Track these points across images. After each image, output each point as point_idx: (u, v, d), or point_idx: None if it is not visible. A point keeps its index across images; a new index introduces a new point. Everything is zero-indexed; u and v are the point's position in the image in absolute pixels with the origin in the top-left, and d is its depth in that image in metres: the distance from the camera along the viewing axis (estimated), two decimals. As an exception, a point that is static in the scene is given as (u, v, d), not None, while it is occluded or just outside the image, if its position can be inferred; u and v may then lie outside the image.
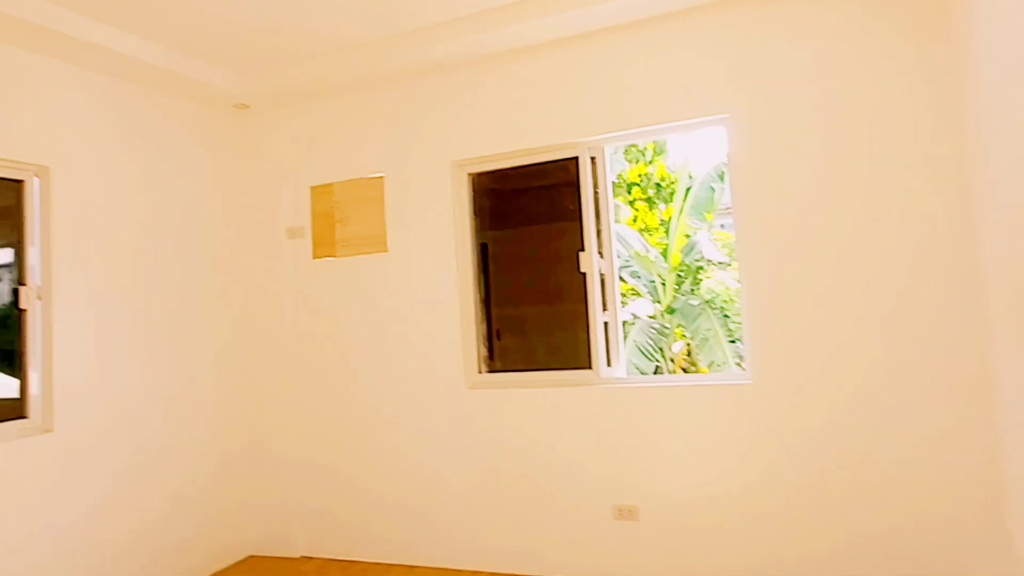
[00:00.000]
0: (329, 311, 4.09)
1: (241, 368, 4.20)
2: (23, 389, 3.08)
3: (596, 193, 3.63)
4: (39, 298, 3.16)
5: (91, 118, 3.41)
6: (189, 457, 3.80)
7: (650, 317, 6.94)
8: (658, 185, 7.95)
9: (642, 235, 7.84)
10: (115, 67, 3.43)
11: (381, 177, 3.98)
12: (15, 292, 3.14)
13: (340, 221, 4.05)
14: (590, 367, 3.56)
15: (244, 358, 4.22)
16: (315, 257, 4.12)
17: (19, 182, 3.16)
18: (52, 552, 3.05)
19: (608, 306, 3.60)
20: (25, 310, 3.12)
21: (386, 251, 3.94)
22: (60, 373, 3.16)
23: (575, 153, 3.62)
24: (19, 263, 3.15)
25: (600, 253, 3.62)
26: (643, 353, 6.57)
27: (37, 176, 3.20)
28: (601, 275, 3.61)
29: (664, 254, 7.14)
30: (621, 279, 7.62)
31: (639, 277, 7.06)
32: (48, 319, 3.16)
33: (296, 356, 4.16)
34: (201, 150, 4.06)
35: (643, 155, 8.40)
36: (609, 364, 3.59)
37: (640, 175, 8.22)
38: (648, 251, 6.91)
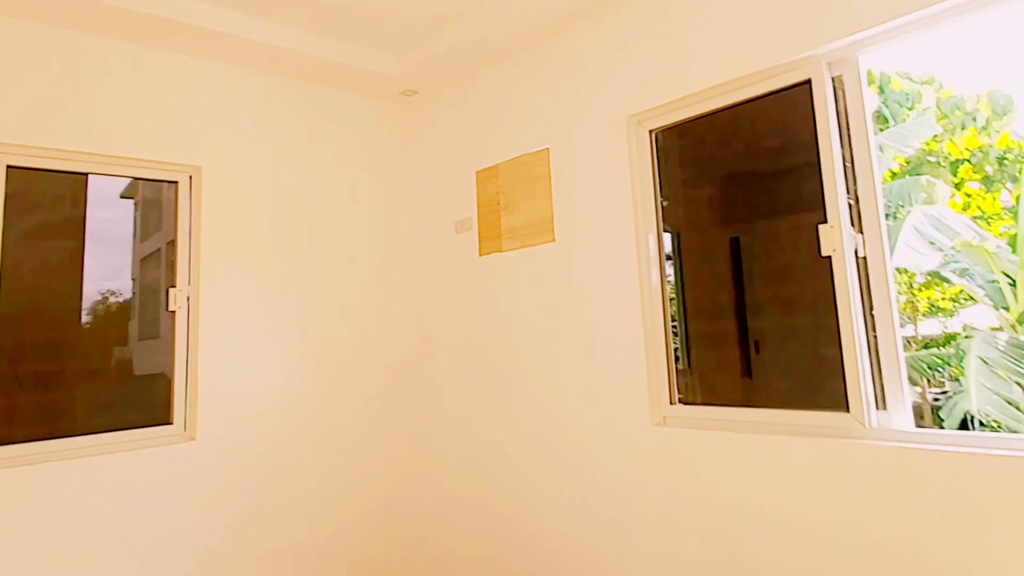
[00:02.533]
0: (493, 315, 3.48)
1: (400, 382, 3.82)
2: (169, 393, 3.04)
3: (847, 135, 2.37)
4: (188, 300, 3.12)
5: (244, 116, 3.37)
6: (342, 484, 3.49)
7: (993, 329, 4.96)
8: (1001, 159, 5.76)
9: (978, 224, 5.78)
10: (271, 63, 3.34)
11: (546, 150, 3.24)
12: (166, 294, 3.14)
13: (505, 208, 3.42)
14: (847, 409, 2.29)
15: (404, 370, 3.83)
16: (481, 253, 3.54)
17: (173, 183, 3.17)
18: (193, 568, 2.92)
19: (877, 312, 2.30)
20: (175, 312, 3.09)
21: (553, 240, 3.18)
22: (205, 379, 3.08)
23: (805, 75, 2.43)
24: (170, 264, 3.15)
25: (857, 227, 2.34)
26: (1000, 378, 4.66)
27: (191, 177, 3.19)
28: (862, 262, 2.33)
29: (1012, 244, 5.04)
30: (938, 278, 5.67)
31: (971, 276, 5.09)
32: (195, 323, 3.10)
33: (459, 367, 3.63)
34: (364, 144, 3.83)
35: (973, 120, 6.21)
36: (882, 406, 2.27)
37: (970, 148, 6.09)
38: (984, 240, 4.91)
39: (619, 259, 2.89)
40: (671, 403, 2.81)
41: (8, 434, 2.65)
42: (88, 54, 2.92)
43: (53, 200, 2.92)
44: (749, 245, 2.67)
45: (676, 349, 2.84)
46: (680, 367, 2.83)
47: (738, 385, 2.72)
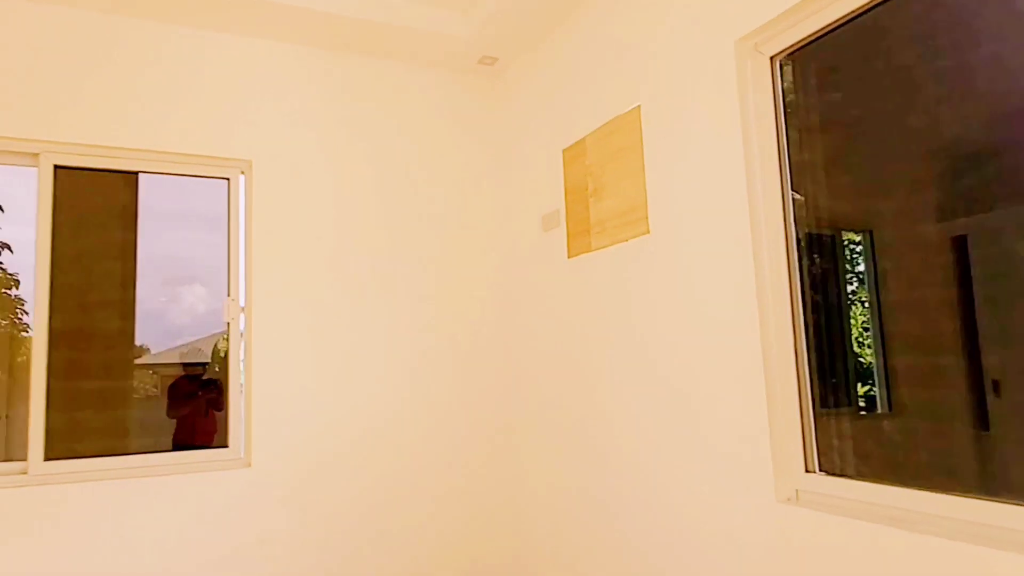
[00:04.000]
0: (581, 335, 2.77)
1: (480, 415, 3.27)
2: (225, 414, 2.83)
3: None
4: (242, 311, 2.89)
5: (296, 100, 3.09)
6: (409, 528, 3.02)
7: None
8: None
9: None
10: (325, 34, 3.02)
11: (635, 109, 2.47)
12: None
13: (594, 193, 2.71)
14: None
15: (485, 399, 3.26)
16: (571, 255, 2.87)
17: (224, 180, 2.97)
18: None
19: None
20: (228, 324, 2.88)
21: (647, 232, 2.40)
22: (260, 400, 2.82)
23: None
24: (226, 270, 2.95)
25: None
26: None
27: (243, 173, 2.97)
28: None
29: None
30: None
31: None
32: (249, 337, 2.86)
33: (546, 400, 2.98)
34: (436, 127, 3.37)
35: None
36: None
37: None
38: None
39: (728, 254, 2.04)
40: (807, 470, 1.88)
41: (70, 450, 2.60)
42: (130, 41, 2.82)
43: (106, 202, 2.85)
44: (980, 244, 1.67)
45: (823, 387, 1.90)
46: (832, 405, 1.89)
47: (901, 447, 1.72)
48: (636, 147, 2.46)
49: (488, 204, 3.41)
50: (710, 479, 2.10)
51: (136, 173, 2.86)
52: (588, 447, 2.71)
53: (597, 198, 2.70)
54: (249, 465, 2.80)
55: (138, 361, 2.83)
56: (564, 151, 2.94)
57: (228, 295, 2.92)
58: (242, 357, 2.90)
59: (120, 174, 2.83)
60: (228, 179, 2.99)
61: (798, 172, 1.97)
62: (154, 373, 2.89)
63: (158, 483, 2.64)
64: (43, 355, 2.59)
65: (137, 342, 2.83)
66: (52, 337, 2.62)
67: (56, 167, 2.71)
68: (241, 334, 2.91)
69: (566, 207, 2.91)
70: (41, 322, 2.61)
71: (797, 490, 1.89)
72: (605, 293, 2.63)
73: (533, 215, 3.17)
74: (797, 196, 1.97)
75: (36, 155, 2.68)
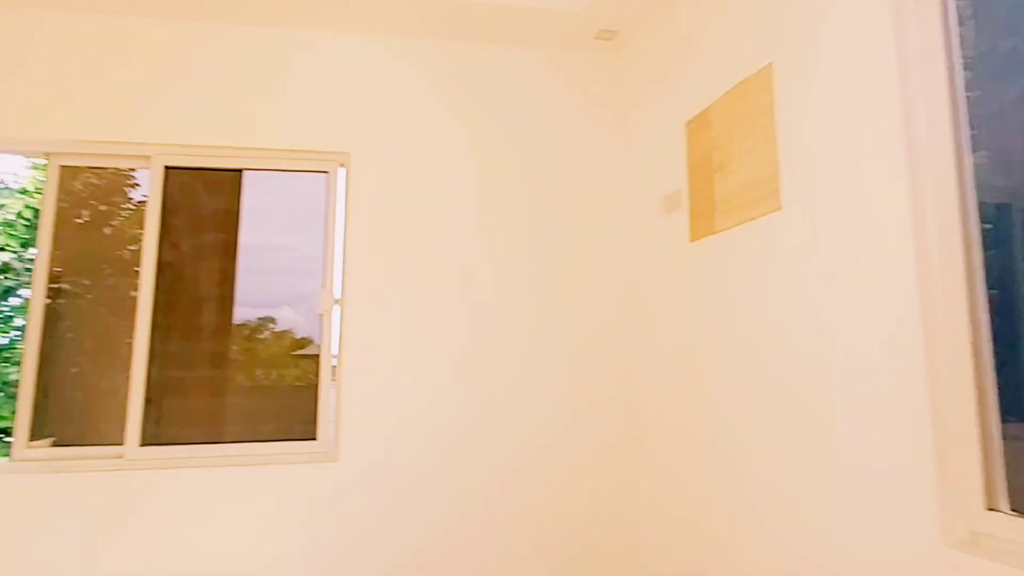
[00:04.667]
0: (702, 325, 2.46)
1: (596, 420, 3.00)
2: (314, 406, 2.80)
3: None
4: (337, 303, 2.86)
5: (397, 90, 3.04)
6: (511, 542, 2.83)
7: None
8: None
9: None
10: (429, 22, 2.94)
11: (767, 67, 2.13)
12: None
13: (720, 169, 2.39)
14: None
15: (602, 401, 2.99)
16: (693, 238, 2.56)
17: (323, 174, 2.96)
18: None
19: None
20: (323, 315, 2.85)
21: (778, 208, 2.05)
22: (351, 394, 2.77)
23: None
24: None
25: None
26: None
27: (342, 166, 2.95)
28: None
29: None
30: None
31: None
32: (343, 329, 2.82)
33: (668, 399, 2.65)
34: (549, 112, 3.17)
35: None
36: None
37: None
38: None
39: (879, 232, 1.65)
40: (989, 507, 1.46)
41: (161, 435, 2.68)
42: (233, 45, 2.89)
43: (211, 200, 2.92)
44: None
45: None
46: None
47: None
48: (767, 111, 2.11)
49: (604, 189, 3.16)
50: (856, 511, 1.70)
51: (240, 171, 2.90)
52: (713, 463, 2.37)
53: (723, 173, 2.37)
54: (336, 460, 2.74)
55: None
56: (687, 124, 2.63)
57: (323, 286, 2.88)
58: (334, 351, 2.85)
59: (225, 172, 2.88)
60: (327, 172, 2.95)
61: (981, 125, 1.54)
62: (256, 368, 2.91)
63: (245, 473, 2.66)
64: (144, 344, 2.68)
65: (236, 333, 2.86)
66: (155, 326, 2.70)
67: (166, 168, 2.80)
68: (334, 326, 2.86)
69: (688, 185, 2.61)
70: (145, 312, 2.70)
71: (974, 532, 1.47)
72: (729, 280, 2.29)
73: (652, 197, 2.89)
74: (979, 157, 1.55)
75: (149, 157, 2.79)
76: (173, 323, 2.77)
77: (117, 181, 2.89)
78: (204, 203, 2.91)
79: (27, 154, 2.80)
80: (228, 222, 2.89)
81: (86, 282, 2.78)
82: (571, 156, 3.13)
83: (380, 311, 2.85)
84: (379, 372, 2.81)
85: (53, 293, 2.70)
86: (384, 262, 2.88)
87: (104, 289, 2.74)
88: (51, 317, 2.70)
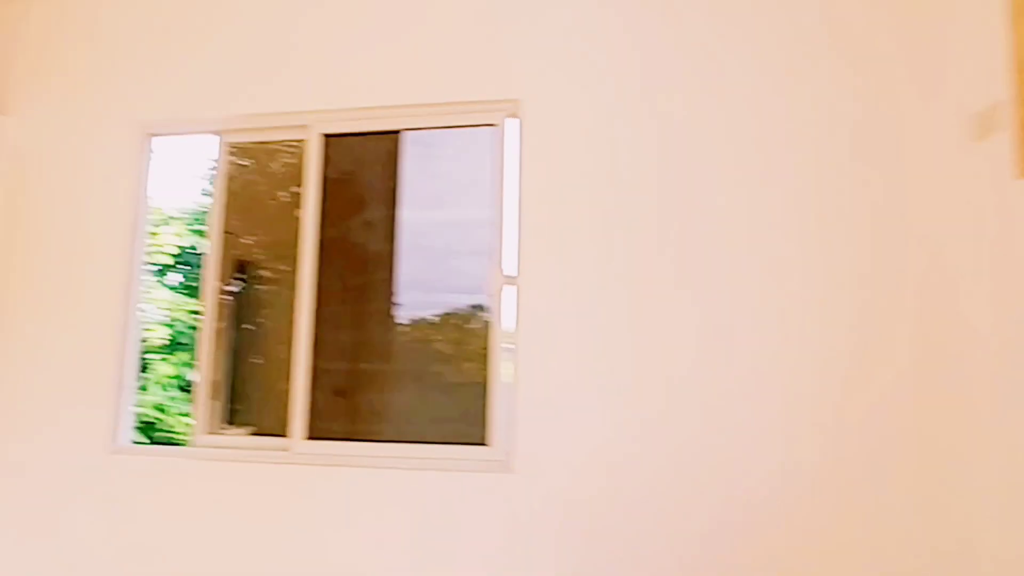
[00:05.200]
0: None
1: (876, 434, 2.13)
2: (484, 407, 2.42)
3: None
4: (511, 282, 2.43)
5: (578, 18, 2.46)
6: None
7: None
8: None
9: None
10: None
11: None
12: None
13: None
14: None
15: (885, 411, 2.13)
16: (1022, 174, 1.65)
17: (491, 127, 2.54)
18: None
19: None
20: (494, 298, 2.45)
21: None
22: (528, 394, 2.34)
23: None
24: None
25: None
26: None
27: (512, 116, 2.49)
28: None
29: None
30: None
31: None
32: (518, 312, 2.40)
33: (991, 409, 1.78)
34: (788, 24, 2.32)
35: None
36: None
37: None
38: None
39: None
40: None
41: (320, 430, 2.51)
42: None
43: (370, 167, 2.67)
44: None
45: None
46: None
47: None
48: None
49: (878, 119, 2.23)
50: None
51: (398, 132, 2.60)
52: None
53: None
54: (511, 471, 2.30)
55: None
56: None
57: (494, 263, 2.45)
58: (501, 336, 2.41)
59: (383, 135, 2.60)
60: (495, 125, 2.51)
61: None
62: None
63: (410, 476, 2.37)
64: (307, 332, 2.51)
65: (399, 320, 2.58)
66: (317, 313, 2.51)
67: (324, 135, 2.61)
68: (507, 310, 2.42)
69: (1019, 95, 1.66)
70: (306, 297, 2.53)
71: None
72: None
73: (952, 117, 1.95)
74: None
75: (305, 126, 2.62)
76: (335, 310, 2.56)
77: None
78: (363, 174, 2.66)
79: (198, 134, 2.77)
80: (387, 195, 2.61)
81: (283, 267, 2.69)
82: (827, 80, 2.27)
83: (566, 292, 2.34)
84: (567, 367, 2.31)
85: (244, 280, 2.66)
86: (570, 231, 2.36)
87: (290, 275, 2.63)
88: (241, 304, 2.67)
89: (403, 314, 2.60)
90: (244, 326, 2.73)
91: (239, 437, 2.59)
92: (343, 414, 2.58)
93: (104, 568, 2.50)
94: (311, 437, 2.49)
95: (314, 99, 2.60)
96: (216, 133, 2.73)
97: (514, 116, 2.49)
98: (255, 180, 2.79)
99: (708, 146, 2.30)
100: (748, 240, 2.24)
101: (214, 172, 2.73)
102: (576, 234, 2.36)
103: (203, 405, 2.60)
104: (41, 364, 2.68)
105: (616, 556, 2.20)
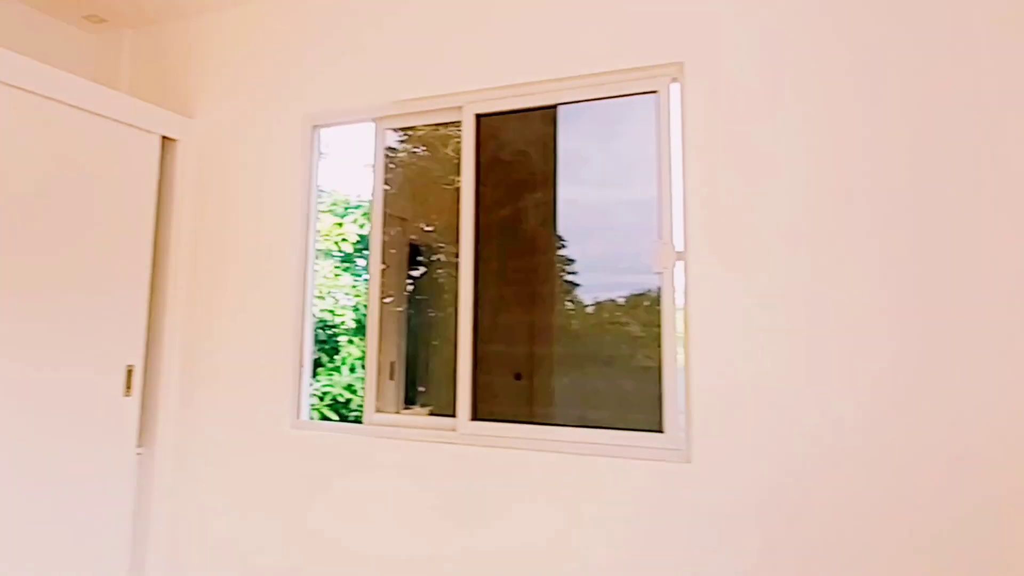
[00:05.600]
0: None
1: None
2: (659, 390, 2.34)
3: None
4: (679, 259, 2.33)
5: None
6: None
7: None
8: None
9: None
10: None
11: None
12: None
13: None
14: None
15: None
16: None
17: (651, 94, 2.43)
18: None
19: None
20: (662, 274, 2.36)
21: None
22: (702, 378, 2.24)
23: None
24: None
25: None
26: None
27: (674, 80, 2.37)
28: None
29: None
30: None
31: None
32: (687, 291, 2.29)
33: None
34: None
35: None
36: None
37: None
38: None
39: None
40: None
41: (488, 412, 2.55)
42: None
43: (525, 145, 2.63)
44: None
45: None
46: None
47: None
48: None
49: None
50: None
51: (554, 107, 2.54)
52: None
53: None
54: (688, 461, 2.20)
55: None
56: None
57: (660, 237, 2.34)
58: (671, 314, 2.30)
59: (539, 111, 2.56)
60: (656, 91, 2.39)
61: None
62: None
63: (578, 461, 2.33)
64: (469, 314, 2.54)
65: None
66: (481, 295, 2.54)
67: (477, 115, 2.60)
68: (677, 290, 2.31)
69: None
70: (467, 279, 2.56)
71: None
72: None
73: None
74: None
75: (460, 108, 2.64)
76: (498, 292, 2.57)
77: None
78: (518, 153, 2.63)
79: (358, 122, 2.87)
80: (546, 173, 2.57)
81: (456, 251, 2.75)
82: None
83: (740, 268, 2.19)
84: (743, 351, 2.16)
85: (422, 265, 2.74)
86: (742, 202, 2.21)
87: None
88: (420, 288, 2.75)
89: (568, 296, 2.55)
90: (428, 310, 2.83)
91: (407, 416, 2.68)
92: (510, 396, 2.58)
93: (281, 530, 2.70)
94: (478, 418, 2.52)
95: (467, 80, 2.60)
96: (374, 120, 2.81)
97: (677, 81, 2.35)
98: (429, 166, 2.86)
99: (895, 109, 2.05)
100: (925, 212, 1.98)
101: (385, 159, 2.80)
102: (748, 205, 2.19)
103: (372, 386, 2.72)
104: (235, 349, 2.93)
105: (799, 552, 2.04)
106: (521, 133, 2.64)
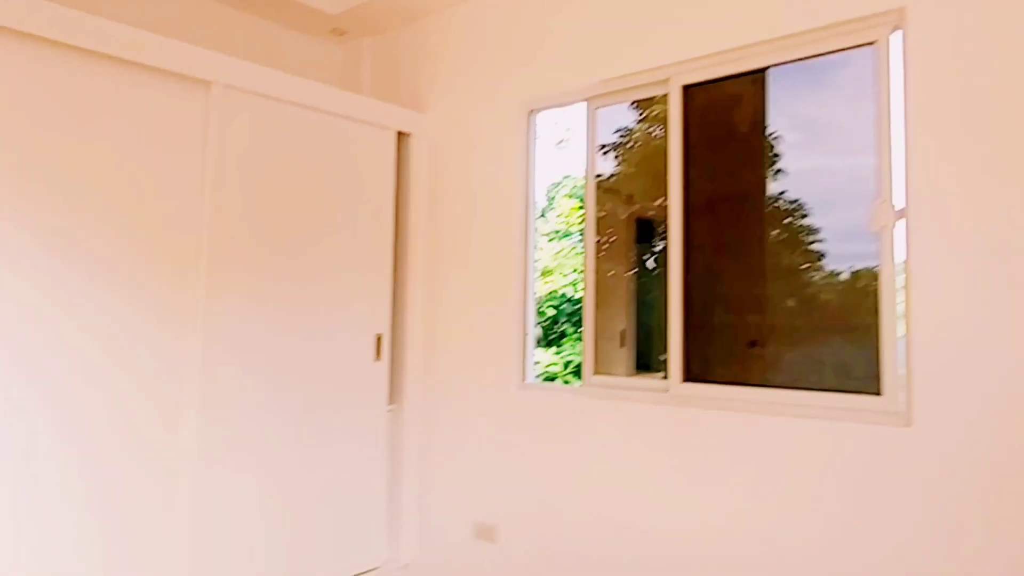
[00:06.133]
0: None
1: None
2: (876, 351, 2.33)
3: None
4: (900, 218, 2.29)
5: None
6: None
7: None
8: None
9: None
10: None
11: None
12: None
13: None
14: None
15: None
16: None
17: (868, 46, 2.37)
18: None
19: None
20: (881, 233, 2.33)
21: None
22: (925, 337, 2.19)
23: None
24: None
25: None
26: None
27: (896, 28, 2.30)
28: None
29: None
30: None
31: None
32: (908, 250, 2.25)
33: None
34: None
35: None
36: None
37: None
38: None
39: None
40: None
41: (705, 373, 2.65)
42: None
43: (733, 114, 2.67)
44: None
45: None
46: None
47: None
48: None
49: None
50: None
51: (763, 70, 2.55)
52: None
53: None
54: (909, 424, 2.15)
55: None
56: None
57: (879, 195, 2.29)
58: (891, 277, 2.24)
59: (746, 76, 2.58)
60: (875, 42, 2.32)
61: None
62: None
63: (792, 424, 2.37)
64: (678, 281, 2.66)
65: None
66: (686, 262, 2.65)
67: (684, 87, 2.69)
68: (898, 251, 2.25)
69: None
70: (675, 246, 2.67)
71: None
72: None
73: None
74: None
75: (666, 80, 2.72)
76: (711, 260, 2.66)
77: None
78: (728, 121, 2.67)
79: (569, 104, 3.07)
80: (755, 139, 2.59)
81: None
82: None
83: (967, 225, 2.08)
84: (971, 309, 2.07)
85: (652, 238, 2.89)
86: (971, 156, 2.09)
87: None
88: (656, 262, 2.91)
89: (779, 260, 2.58)
90: (657, 281, 2.98)
91: (622, 378, 2.88)
92: (723, 359, 2.67)
93: (508, 473, 3.04)
94: (690, 379, 2.64)
95: (672, 51, 2.67)
96: (585, 101, 3.01)
97: (899, 28, 2.26)
98: (662, 144, 2.93)
99: None
100: None
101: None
102: (975, 160, 2.06)
103: (590, 351, 2.95)
104: (468, 321, 3.33)
105: (1058, 525, 1.92)
106: (731, 100, 2.68)
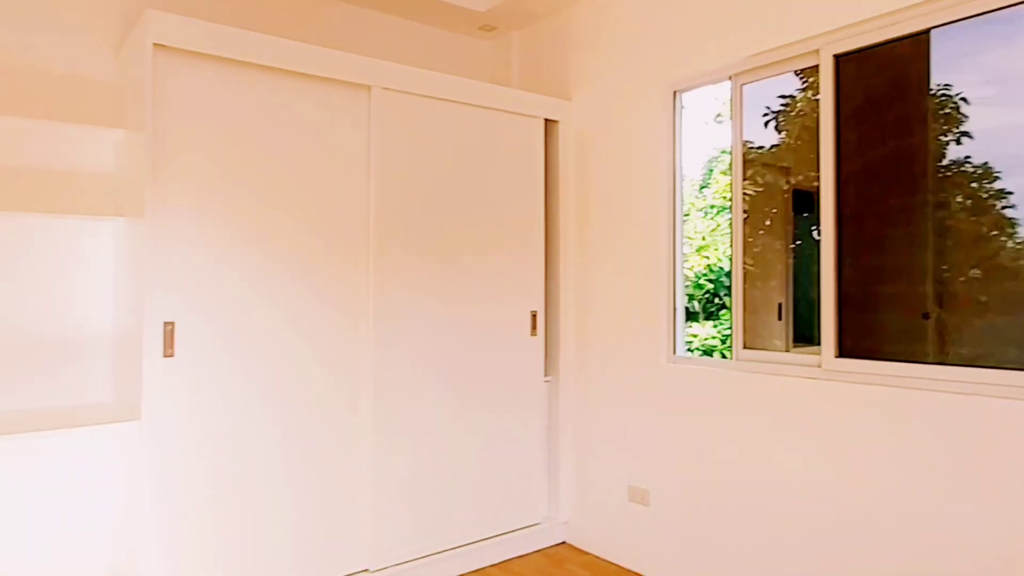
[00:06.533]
0: None
1: None
2: None
3: None
4: None
5: None
6: None
7: None
8: None
9: None
10: None
11: None
12: None
13: None
14: None
15: None
16: None
17: (1046, -1, 2.22)
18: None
19: None
20: (1060, 204, 2.22)
21: None
22: None
23: None
24: None
25: None
26: None
27: (1077, -24, 2.14)
28: None
29: None
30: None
31: None
32: None
33: None
34: None
35: None
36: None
37: None
38: None
39: None
40: None
41: (864, 349, 2.63)
42: None
43: (892, 80, 2.59)
44: None
45: None
46: None
47: None
48: None
49: None
50: None
51: (926, 32, 2.45)
52: None
53: None
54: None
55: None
56: None
57: (1061, 164, 2.15)
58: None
59: (904, 40, 2.49)
60: (1051, -5, 2.16)
61: None
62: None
63: (950, 400, 2.31)
64: (831, 256, 2.64)
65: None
66: (839, 234, 2.63)
67: (835, 56, 2.64)
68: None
69: None
70: (828, 217, 2.65)
71: None
72: None
73: None
74: None
75: (816, 51, 2.69)
76: (870, 235, 2.62)
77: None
78: (883, 89, 2.59)
79: (714, 82, 3.10)
80: (917, 106, 2.50)
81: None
82: None
83: None
84: None
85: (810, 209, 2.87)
86: None
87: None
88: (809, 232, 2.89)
89: (959, 226, 2.49)
90: (816, 255, 2.96)
91: (772, 352, 2.92)
92: (888, 333, 2.62)
93: (657, 443, 3.19)
94: (843, 355, 2.64)
95: (822, 20, 2.62)
96: (730, 79, 3.03)
97: (1081, -23, 2.10)
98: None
99: None
100: None
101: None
102: None
103: (739, 324, 3.02)
104: (617, 297, 3.50)
105: None
106: (888, 65, 2.59)
